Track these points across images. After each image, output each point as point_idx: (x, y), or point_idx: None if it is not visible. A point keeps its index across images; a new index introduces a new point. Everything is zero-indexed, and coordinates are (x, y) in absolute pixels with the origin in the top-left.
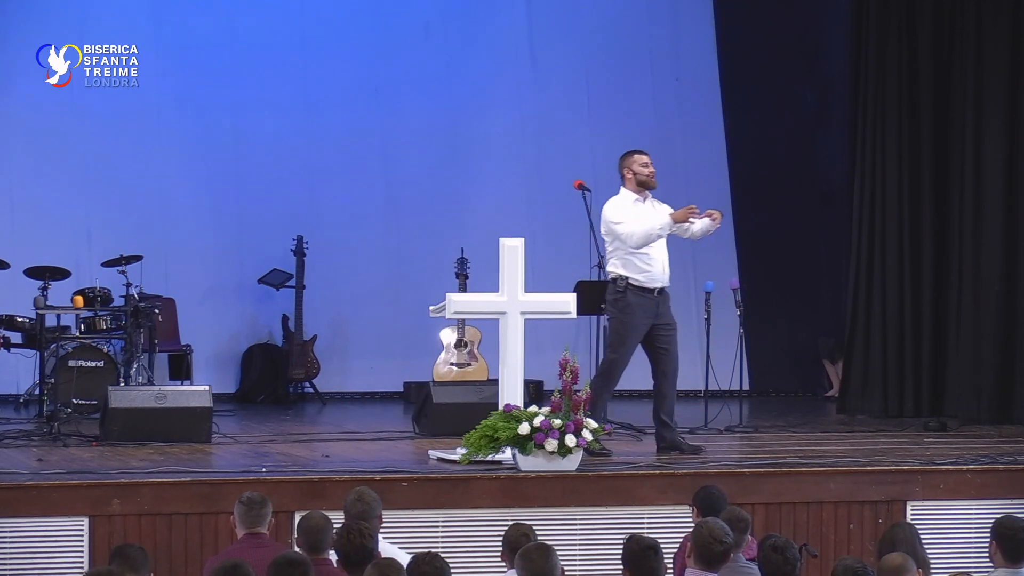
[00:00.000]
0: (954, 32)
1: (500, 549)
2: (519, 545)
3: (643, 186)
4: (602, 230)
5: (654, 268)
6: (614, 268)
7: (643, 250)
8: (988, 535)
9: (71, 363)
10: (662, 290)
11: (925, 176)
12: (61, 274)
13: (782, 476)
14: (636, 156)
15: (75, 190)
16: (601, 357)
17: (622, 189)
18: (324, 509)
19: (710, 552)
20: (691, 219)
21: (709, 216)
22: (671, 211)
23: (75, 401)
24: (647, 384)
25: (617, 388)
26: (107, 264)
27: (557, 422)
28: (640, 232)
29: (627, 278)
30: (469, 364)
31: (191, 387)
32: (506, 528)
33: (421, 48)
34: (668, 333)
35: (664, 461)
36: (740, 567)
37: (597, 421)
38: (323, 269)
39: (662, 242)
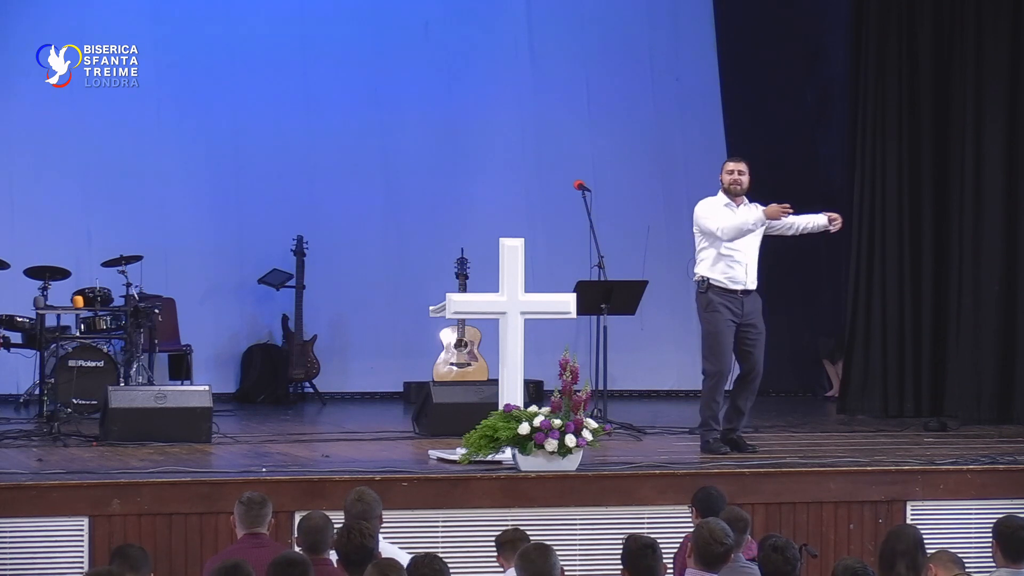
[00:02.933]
0: (954, 32)
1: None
2: (509, 540)
3: (727, 192)
4: (694, 229)
5: (735, 271)
6: (699, 270)
7: (730, 251)
8: (988, 535)
9: (71, 363)
10: (747, 291)
11: (925, 176)
12: (61, 274)
13: (782, 476)
14: (726, 162)
15: (75, 190)
16: (605, 359)
17: (719, 191)
18: (324, 509)
19: (711, 553)
20: (784, 216)
21: (828, 218)
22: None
23: (75, 401)
24: (646, 385)
25: (617, 388)
26: (107, 264)
27: (557, 422)
28: (731, 225)
29: (708, 279)
30: (469, 364)
31: (191, 387)
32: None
33: (421, 48)
34: (754, 336)
35: (664, 461)
36: (740, 567)
37: (709, 431)
38: (323, 269)
39: (750, 245)
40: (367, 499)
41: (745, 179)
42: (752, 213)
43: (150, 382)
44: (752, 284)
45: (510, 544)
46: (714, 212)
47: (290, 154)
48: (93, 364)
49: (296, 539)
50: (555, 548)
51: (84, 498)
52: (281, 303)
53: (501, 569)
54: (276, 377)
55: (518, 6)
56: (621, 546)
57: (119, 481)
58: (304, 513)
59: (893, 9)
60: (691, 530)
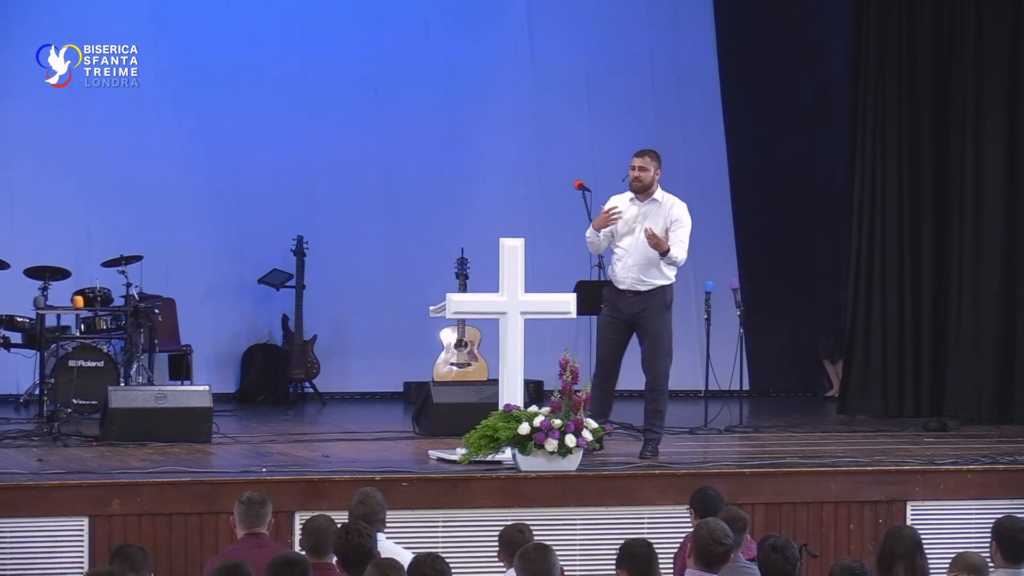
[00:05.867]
0: (954, 32)
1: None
2: (515, 542)
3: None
4: None
5: (617, 270)
6: None
7: (616, 249)
8: (988, 535)
9: (71, 363)
10: (638, 291)
11: (925, 176)
12: (61, 274)
13: (782, 476)
14: (632, 157)
15: (75, 190)
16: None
17: None
18: (324, 509)
19: (710, 553)
20: (610, 223)
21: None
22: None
23: (75, 401)
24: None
25: (617, 388)
26: (107, 264)
27: (557, 422)
28: (589, 231)
29: (608, 276)
30: (469, 364)
31: (191, 387)
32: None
33: (421, 47)
34: (640, 337)
35: (663, 461)
36: (740, 567)
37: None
38: (323, 269)
39: (635, 245)
40: (371, 502)
41: (647, 175)
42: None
43: (150, 382)
44: (640, 287)
45: (511, 545)
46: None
47: (290, 154)
48: (93, 364)
49: (300, 541)
50: (555, 548)
51: (84, 498)
52: (281, 303)
53: (502, 568)
54: (276, 377)
55: (518, 6)
56: (620, 547)
57: (119, 481)
58: (304, 513)
59: (893, 9)
60: (691, 530)
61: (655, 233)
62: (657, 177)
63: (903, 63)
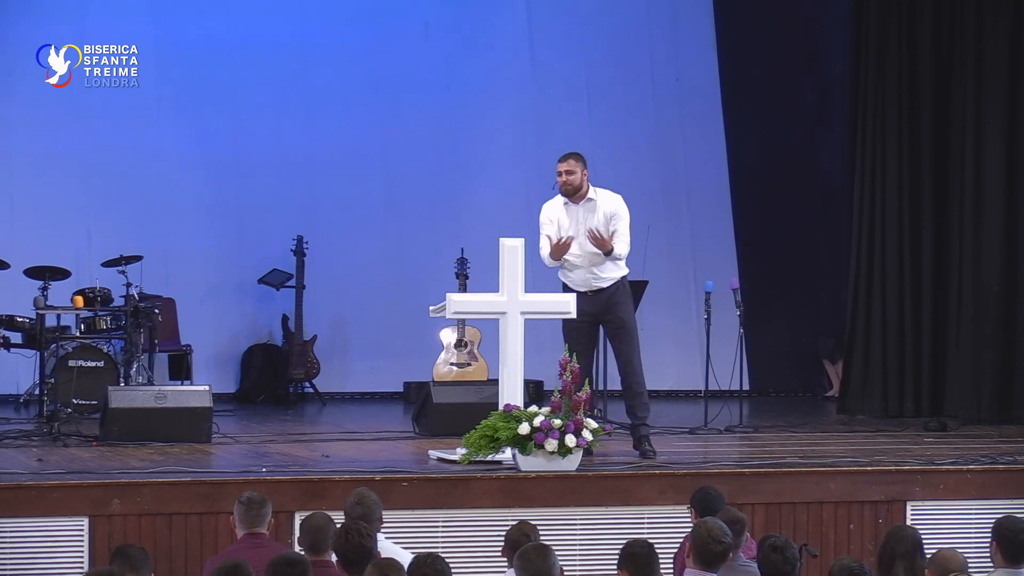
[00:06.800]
0: (954, 32)
1: (500, 548)
2: (520, 545)
3: (563, 193)
4: None
5: (573, 276)
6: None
7: (567, 256)
8: (988, 535)
9: (71, 363)
10: (600, 288)
11: (925, 176)
12: (61, 274)
13: (782, 476)
14: (558, 162)
15: (75, 190)
16: (605, 359)
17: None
18: (324, 509)
19: (709, 552)
20: (566, 249)
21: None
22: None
23: (75, 401)
24: (646, 384)
25: (617, 388)
26: (107, 264)
27: (557, 422)
28: (544, 254)
29: (563, 282)
30: (469, 364)
31: (191, 387)
32: (507, 528)
33: (421, 48)
34: (614, 331)
35: (663, 461)
36: (740, 566)
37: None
38: (323, 269)
39: (582, 250)
40: (367, 503)
41: (575, 177)
42: (545, 249)
43: (150, 382)
44: (599, 284)
45: (516, 548)
46: (545, 219)
47: (290, 154)
48: (93, 364)
49: (298, 539)
50: (555, 548)
51: (84, 498)
52: (281, 303)
53: (505, 567)
54: (276, 377)
55: (518, 7)
56: (621, 547)
57: (119, 481)
58: (304, 513)
59: (893, 9)
60: (690, 530)
61: (599, 234)
62: (585, 177)
63: (903, 63)
